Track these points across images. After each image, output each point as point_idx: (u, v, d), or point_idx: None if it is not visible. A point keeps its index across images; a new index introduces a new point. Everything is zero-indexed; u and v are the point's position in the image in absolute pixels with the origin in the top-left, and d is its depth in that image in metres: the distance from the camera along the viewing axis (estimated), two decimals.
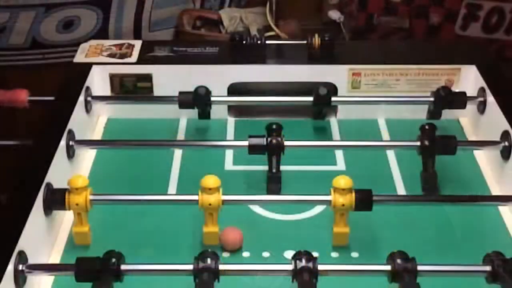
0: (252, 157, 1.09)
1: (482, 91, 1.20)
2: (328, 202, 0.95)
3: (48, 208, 0.95)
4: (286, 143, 1.07)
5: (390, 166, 1.15)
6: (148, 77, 1.26)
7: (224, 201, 0.95)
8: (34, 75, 1.89)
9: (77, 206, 0.95)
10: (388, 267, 0.84)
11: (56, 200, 0.95)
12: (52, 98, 1.18)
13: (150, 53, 1.29)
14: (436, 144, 1.07)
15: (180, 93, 1.18)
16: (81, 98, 1.17)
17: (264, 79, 1.27)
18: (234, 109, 1.30)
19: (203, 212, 0.96)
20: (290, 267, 0.84)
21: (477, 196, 1.05)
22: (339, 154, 1.18)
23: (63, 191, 0.95)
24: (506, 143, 1.09)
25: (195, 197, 0.95)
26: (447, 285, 0.89)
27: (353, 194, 0.94)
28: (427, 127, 1.09)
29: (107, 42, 1.33)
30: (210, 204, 0.94)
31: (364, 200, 0.95)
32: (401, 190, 1.10)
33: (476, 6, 1.99)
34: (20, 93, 1.20)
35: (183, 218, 1.02)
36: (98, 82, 1.25)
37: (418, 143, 1.08)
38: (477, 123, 1.22)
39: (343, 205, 0.94)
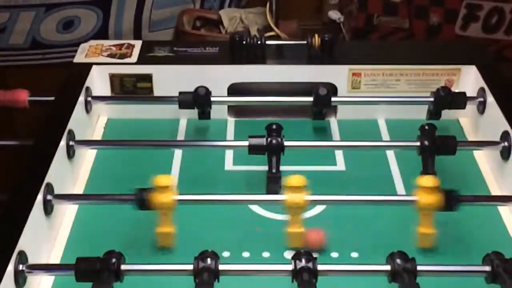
0: (252, 157, 1.09)
1: (482, 91, 1.20)
2: (413, 202, 0.95)
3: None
4: (286, 143, 1.07)
5: (390, 166, 1.15)
6: (148, 77, 1.26)
7: (223, 201, 0.95)
8: (34, 75, 1.89)
9: (162, 206, 0.93)
10: (388, 267, 0.84)
11: (141, 200, 0.93)
12: (52, 98, 1.18)
13: (150, 53, 1.29)
14: (436, 144, 1.07)
15: (180, 93, 1.18)
16: (81, 98, 1.17)
17: (264, 79, 1.27)
18: (234, 109, 1.30)
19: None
20: (290, 267, 0.84)
21: (477, 196, 1.05)
22: (339, 154, 1.18)
23: (147, 191, 0.94)
24: (506, 144, 1.09)
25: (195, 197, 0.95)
26: (447, 285, 0.89)
27: (440, 194, 0.94)
28: (427, 127, 1.09)
29: (107, 42, 1.33)
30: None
31: (451, 199, 0.94)
32: (400, 190, 1.10)
33: (476, 6, 1.99)
34: (20, 93, 1.20)
35: (183, 217, 1.02)
36: (98, 82, 1.25)
37: (418, 143, 1.08)
38: (477, 123, 1.22)
39: (428, 205, 0.94)
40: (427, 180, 0.94)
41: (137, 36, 2.02)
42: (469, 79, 1.26)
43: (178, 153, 1.18)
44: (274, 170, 1.07)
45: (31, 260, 0.87)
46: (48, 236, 0.97)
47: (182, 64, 1.26)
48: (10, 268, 0.83)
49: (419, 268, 0.83)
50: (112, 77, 1.26)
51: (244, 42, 1.28)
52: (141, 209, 0.94)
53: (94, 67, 1.25)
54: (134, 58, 1.27)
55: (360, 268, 0.89)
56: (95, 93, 1.23)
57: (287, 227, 0.95)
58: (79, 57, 1.28)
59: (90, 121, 1.22)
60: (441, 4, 2.01)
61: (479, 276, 0.86)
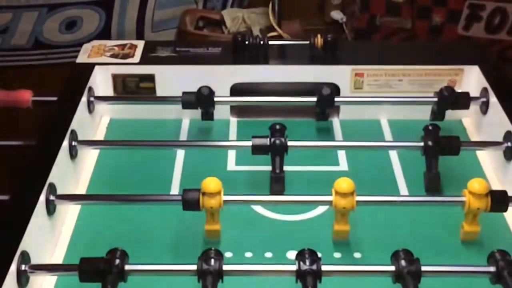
0: (255, 157, 1.09)
1: (484, 91, 1.20)
2: (462, 203, 0.96)
3: None
4: (290, 143, 1.07)
5: (392, 167, 1.15)
6: (150, 78, 1.26)
7: (225, 202, 0.95)
8: (36, 75, 1.89)
9: (211, 209, 0.95)
10: (392, 268, 0.84)
11: (190, 202, 0.94)
12: (54, 98, 1.18)
13: (152, 53, 1.29)
14: (440, 144, 1.07)
15: (184, 93, 1.18)
16: (84, 98, 1.17)
17: (267, 79, 1.27)
18: (237, 110, 1.30)
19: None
20: (293, 267, 0.83)
21: None
22: (341, 154, 1.18)
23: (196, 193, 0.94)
24: (509, 144, 1.09)
25: None
26: (449, 285, 0.89)
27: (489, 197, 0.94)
28: (430, 127, 1.08)
29: (109, 43, 1.33)
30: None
31: (500, 201, 0.95)
32: (403, 191, 1.10)
33: (479, 6, 1.99)
34: (24, 94, 1.20)
35: (185, 217, 1.02)
36: (100, 82, 1.25)
37: (422, 144, 1.08)
38: (480, 123, 1.22)
39: (478, 208, 0.94)
40: (475, 185, 0.94)
41: (139, 36, 2.03)
42: (471, 80, 1.25)
43: (180, 153, 1.18)
44: (278, 170, 1.07)
45: (34, 260, 0.87)
46: (50, 236, 0.97)
47: (184, 64, 1.26)
48: (13, 268, 0.83)
49: (423, 268, 0.83)
50: (115, 77, 1.26)
51: (246, 42, 1.28)
52: (186, 210, 0.95)
53: (96, 67, 1.25)
54: (136, 58, 1.27)
55: (364, 269, 0.88)
56: (98, 93, 1.23)
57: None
58: (82, 57, 1.28)
59: (93, 121, 1.22)
60: (444, 4, 2.01)
61: (483, 277, 0.86)
